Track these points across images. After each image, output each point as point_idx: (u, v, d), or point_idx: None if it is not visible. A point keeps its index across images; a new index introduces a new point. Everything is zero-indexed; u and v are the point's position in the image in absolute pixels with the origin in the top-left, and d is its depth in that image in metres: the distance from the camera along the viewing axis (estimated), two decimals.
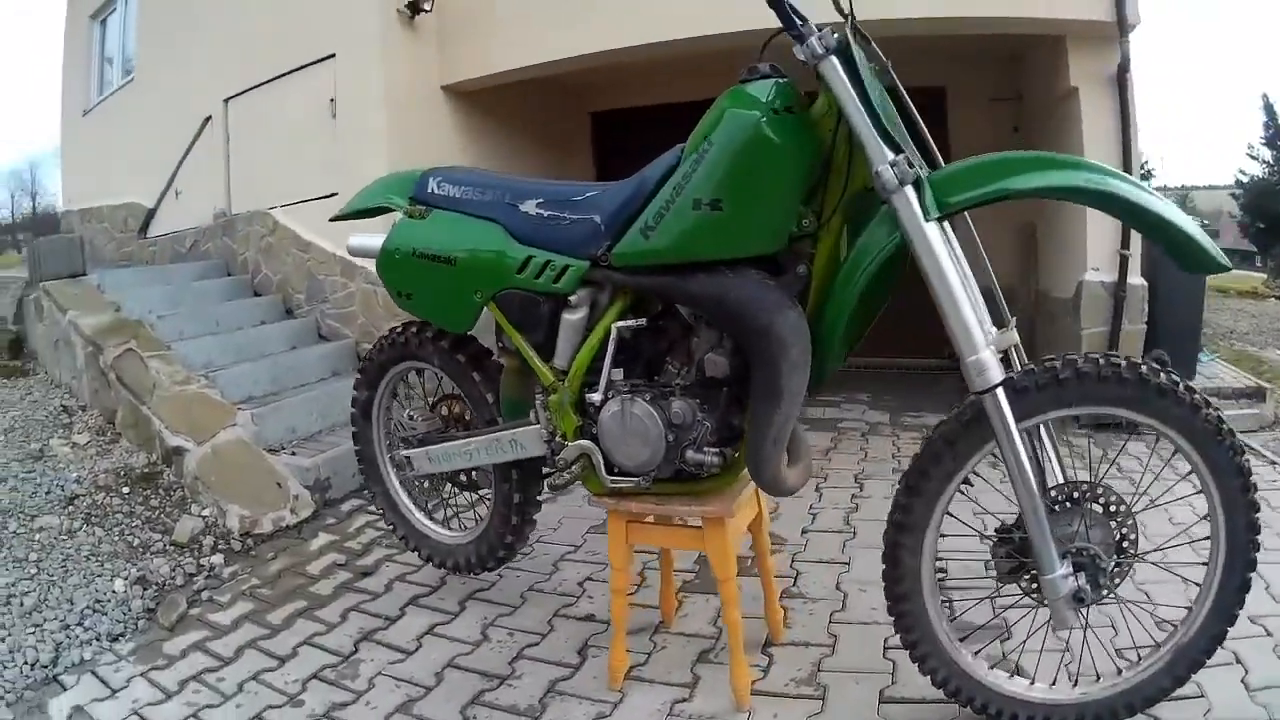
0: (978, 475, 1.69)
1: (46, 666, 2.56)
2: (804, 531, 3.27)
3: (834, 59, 1.47)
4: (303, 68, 5.48)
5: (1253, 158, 24.82)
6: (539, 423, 2.08)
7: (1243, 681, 1.93)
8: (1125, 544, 1.55)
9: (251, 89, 5.90)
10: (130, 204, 7.54)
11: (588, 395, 1.90)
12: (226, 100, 6.05)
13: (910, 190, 1.41)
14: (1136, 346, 4.18)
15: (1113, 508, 1.53)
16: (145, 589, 3.10)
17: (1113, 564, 1.51)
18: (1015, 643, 2.07)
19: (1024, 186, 1.41)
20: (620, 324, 1.82)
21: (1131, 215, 1.41)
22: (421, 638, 2.55)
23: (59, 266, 5.17)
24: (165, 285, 5.29)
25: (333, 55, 5.27)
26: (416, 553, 2.92)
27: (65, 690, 2.45)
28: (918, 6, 4.22)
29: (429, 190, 2.21)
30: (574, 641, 2.48)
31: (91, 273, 5.34)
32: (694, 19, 4.31)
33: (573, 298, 1.92)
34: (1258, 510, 1.48)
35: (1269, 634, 2.16)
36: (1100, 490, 1.53)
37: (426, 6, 5.02)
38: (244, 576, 3.23)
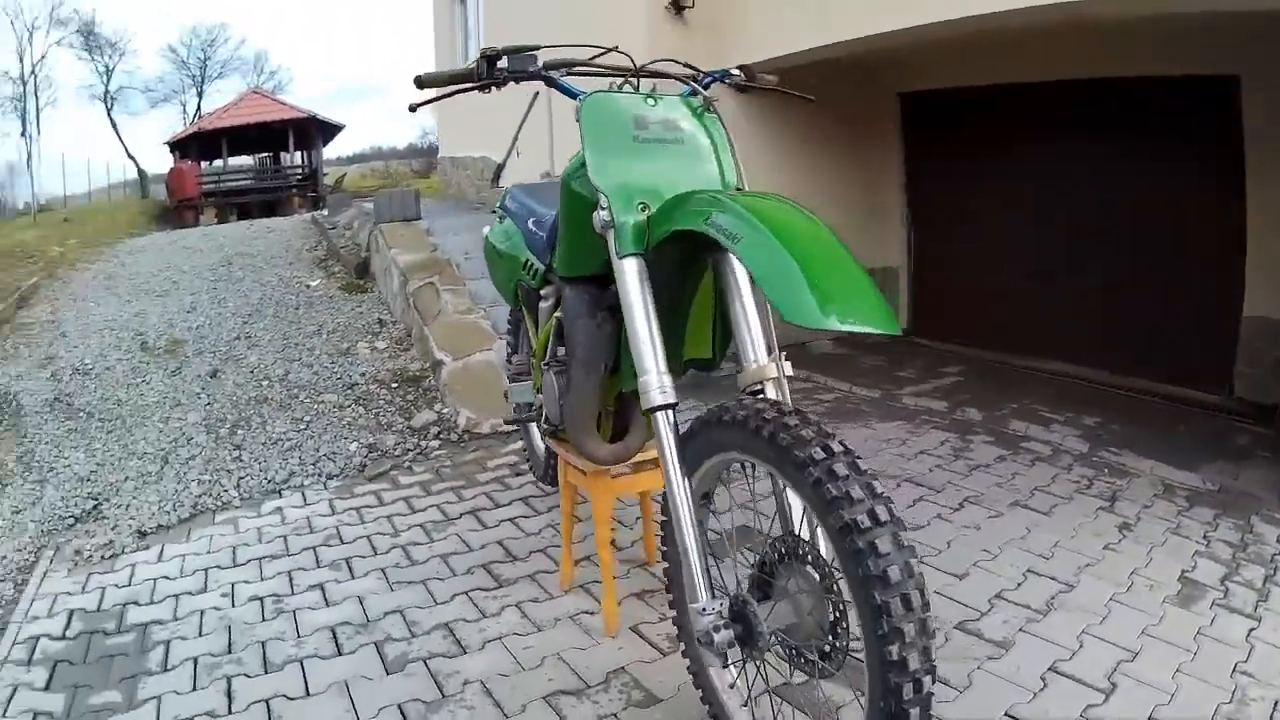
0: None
1: (276, 483, 4.38)
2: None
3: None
4: (591, 59, 7.09)
5: None
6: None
7: None
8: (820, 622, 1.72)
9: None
10: (485, 157, 10.27)
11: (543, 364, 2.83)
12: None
13: (610, 232, 2.04)
14: None
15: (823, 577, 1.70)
16: (369, 452, 4.84)
17: (769, 633, 1.76)
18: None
19: (670, 228, 1.92)
20: (558, 314, 2.68)
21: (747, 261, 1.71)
22: (503, 521, 3.93)
23: (396, 212, 7.68)
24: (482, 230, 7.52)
25: (615, 47, 6.70)
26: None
27: (280, 498, 4.20)
28: None
29: (504, 203, 3.44)
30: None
31: (427, 216, 7.71)
32: None
33: (543, 291, 2.93)
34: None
35: None
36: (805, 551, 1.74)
37: (689, 3, 6.09)
38: (442, 458, 4.78)
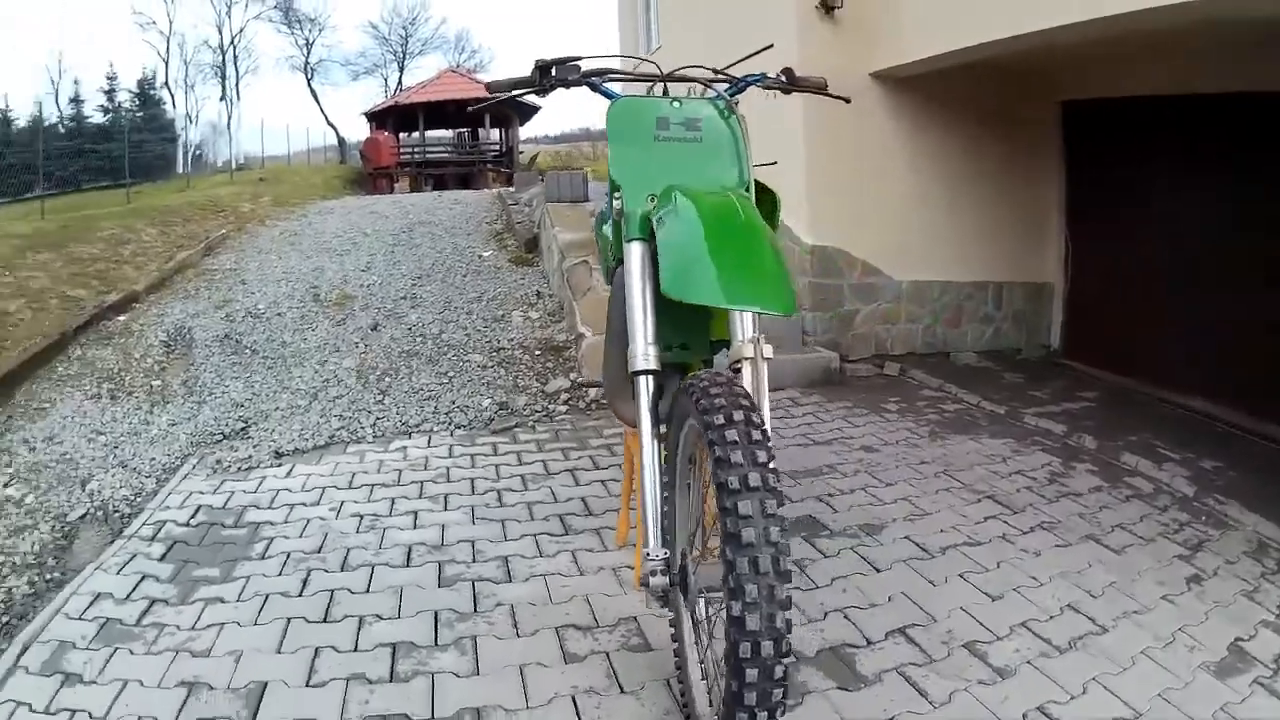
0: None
1: (409, 426, 4.96)
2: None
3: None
4: (748, 57, 7.38)
5: None
6: None
7: None
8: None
9: (729, 67, 8.13)
10: None
11: None
12: (718, 72, 8.51)
13: (622, 219, 2.39)
14: None
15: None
16: (500, 409, 5.33)
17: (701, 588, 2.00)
18: None
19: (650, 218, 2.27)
20: None
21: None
22: (594, 482, 4.34)
23: (565, 193, 8.33)
24: None
25: (771, 45, 6.97)
26: None
27: (408, 439, 4.77)
28: None
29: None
30: None
31: (595, 198, 8.26)
32: None
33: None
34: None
35: None
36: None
37: (838, 3, 6.35)
38: (564, 421, 5.19)
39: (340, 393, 5.58)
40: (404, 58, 46.90)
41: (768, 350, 2.14)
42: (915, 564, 3.30)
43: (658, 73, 2.62)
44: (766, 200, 2.63)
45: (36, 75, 68.16)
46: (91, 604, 3.04)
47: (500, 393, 5.63)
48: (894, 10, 6.35)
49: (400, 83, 44.80)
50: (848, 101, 3.01)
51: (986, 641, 2.76)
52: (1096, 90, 6.78)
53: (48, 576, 3.60)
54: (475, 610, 2.95)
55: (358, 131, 36.79)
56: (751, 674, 1.70)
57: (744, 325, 2.19)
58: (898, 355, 6.81)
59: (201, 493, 4.13)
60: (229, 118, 35.38)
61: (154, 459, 4.63)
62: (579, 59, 2.60)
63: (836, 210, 6.64)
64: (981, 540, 3.53)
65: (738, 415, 1.84)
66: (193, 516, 3.84)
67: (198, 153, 31.23)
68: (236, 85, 41.09)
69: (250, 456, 4.62)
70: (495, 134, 34.48)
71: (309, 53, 43.44)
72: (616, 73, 2.65)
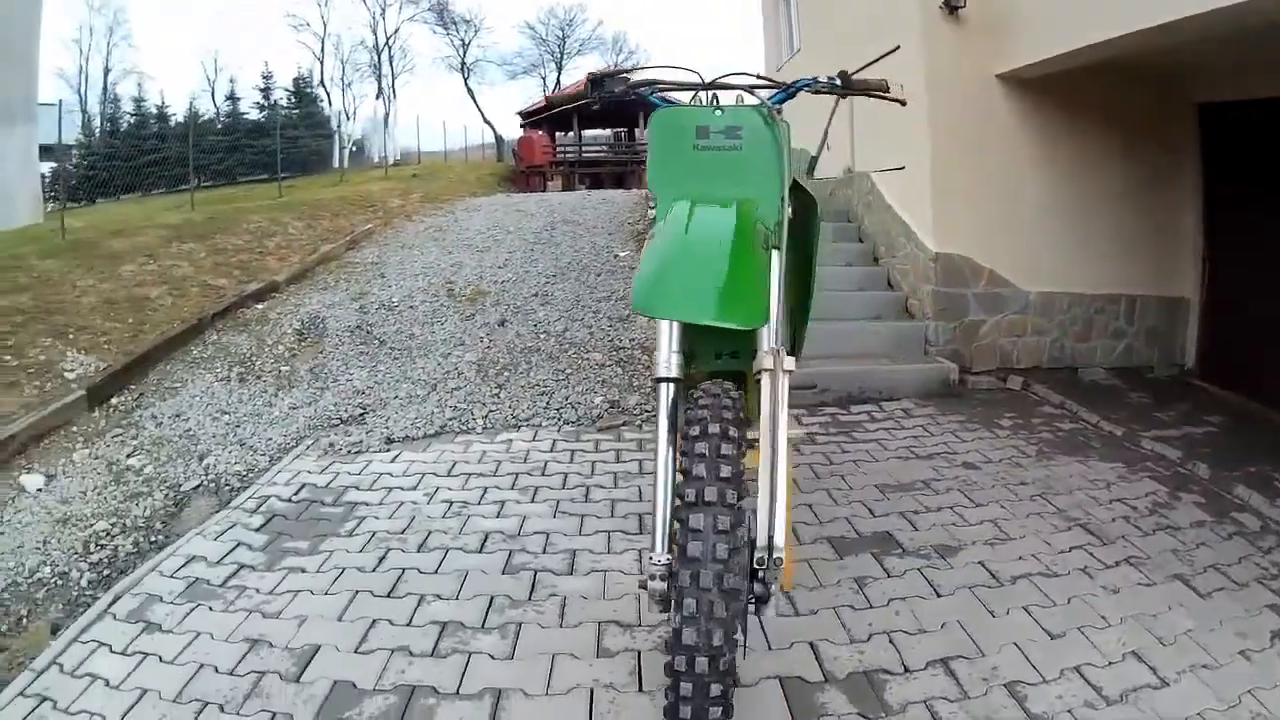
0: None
1: (519, 420, 5.25)
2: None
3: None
4: (874, 61, 7.40)
5: None
6: None
7: None
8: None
9: (860, 69, 8.11)
10: (804, 149, 10.91)
11: None
12: (852, 74, 8.50)
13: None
14: None
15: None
16: (610, 407, 5.51)
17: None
18: None
19: None
20: None
21: None
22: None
23: None
24: None
25: (898, 48, 6.91)
26: None
27: (515, 432, 5.05)
28: None
29: None
30: None
31: None
32: None
33: None
34: None
35: None
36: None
37: (961, 2, 6.35)
38: None
39: (459, 385, 5.88)
40: (562, 58, 48.45)
41: (789, 363, 2.16)
42: (980, 591, 3.23)
43: (701, 81, 2.69)
44: (804, 208, 2.76)
45: (193, 74, 74.28)
46: (185, 565, 3.39)
47: (614, 391, 5.80)
48: (1017, 7, 6.21)
49: (559, 82, 46.26)
50: (903, 104, 3.04)
51: (1031, 683, 2.66)
52: (1238, 92, 6.39)
53: (152, 539, 4.00)
54: (530, 598, 3.12)
55: (516, 130, 38.27)
56: (686, 688, 1.79)
57: (768, 335, 2.21)
58: (1022, 369, 6.62)
59: (309, 472, 4.48)
60: (385, 115, 37.79)
61: (271, 439, 5.04)
62: (629, 71, 2.79)
63: (962, 217, 6.57)
64: (1059, 571, 3.39)
65: (712, 428, 1.91)
66: (296, 493, 4.18)
67: (354, 149, 33.23)
68: (392, 84, 43.82)
69: (361, 441, 4.96)
70: None
71: (465, 53, 45.51)
72: (662, 83, 2.75)
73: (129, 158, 21.69)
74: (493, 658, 2.72)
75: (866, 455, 4.76)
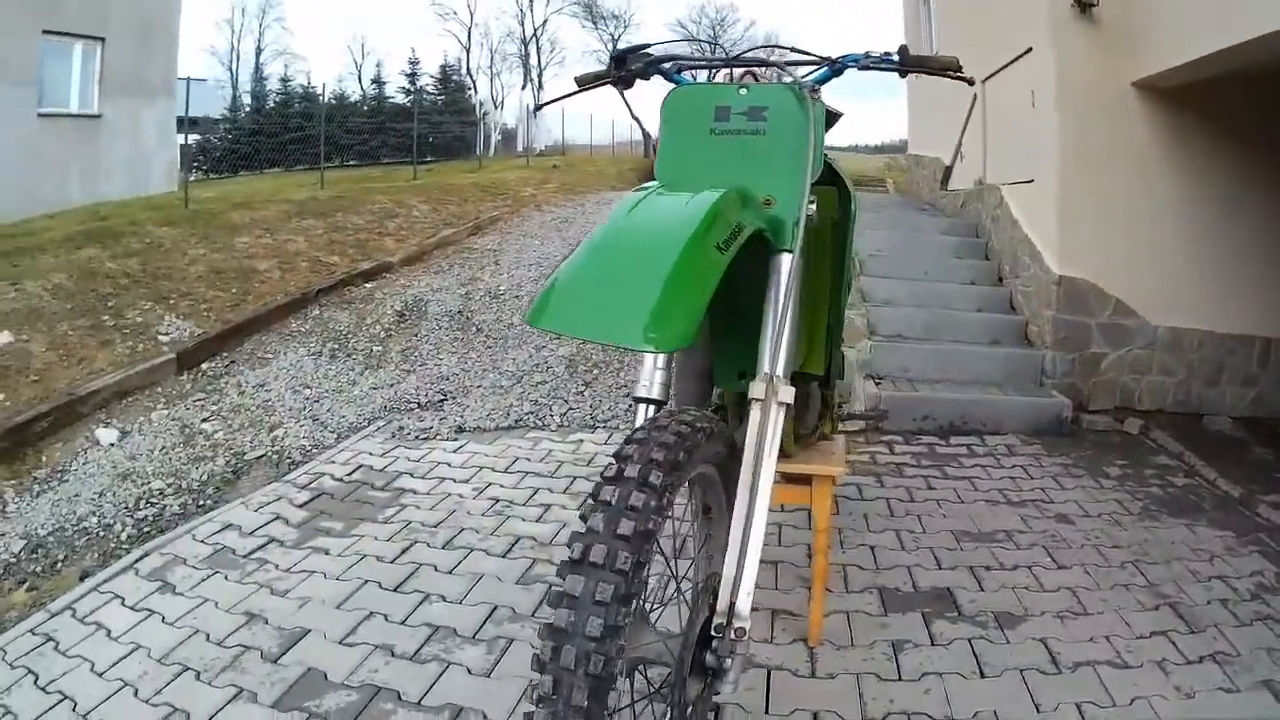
0: None
1: (598, 420, 5.38)
2: None
3: None
4: (1006, 66, 7.07)
5: None
6: None
7: None
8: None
9: (994, 74, 7.79)
10: (937, 158, 10.56)
11: None
12: (984, 80, 8.08)
13: None
14: None
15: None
16: None
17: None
18: None
19: None
20: None
21: None
22: None
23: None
24: (910, 231, 8.47)
25: (1030, 50, 6.54)
26: None
27: (590, 432, 5.14)
28: None
29: None
30: None
31: (866, 211, 8.21)
32: None
33: None
34: None
35: None
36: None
37: (1094, 0, 6.00)
38: None
39: (545, 379, 5.94)
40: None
41: (785, 393, 1.85)
42: (1032, 677, 2.80)
43: (724, 58, 2.52)
44: (829, 195, 2.51)
45: (341, 57, 78.69)
46: (218, 531, 3.57)
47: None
48: (1155, 6, 5.79)
49: (710, 80, 46.76)
50: (971, 83, 2.64)
51: None
52: None
53: (201, 502, 4.19)
54: (533, 614, 3.07)
55: None
56: None
57: (766, 357, 1.90)
58: (1143, 410, 6.13)
59: (369, 454, 4.61)
60: (532, 105, 39.22)
61: (345, 417, 5.21)
62: (650, 46, 2.55)
63: (1090, 239, 6.11)
64: (1130, 662, 2.89)
65: (629, 471, 1.53)
66: (349, 474, 4.31)
67: (500, 136, 34.18)
68: (540, 75, 45.09)
69: (431, 428, 5.07)
70: None
71: (614, 48, 46.27)
72: (685, 58, 2.55)
73: (273, 134, 22.85)
74: (470, 672, 2.69)
75: (953, 495, 4.44)
